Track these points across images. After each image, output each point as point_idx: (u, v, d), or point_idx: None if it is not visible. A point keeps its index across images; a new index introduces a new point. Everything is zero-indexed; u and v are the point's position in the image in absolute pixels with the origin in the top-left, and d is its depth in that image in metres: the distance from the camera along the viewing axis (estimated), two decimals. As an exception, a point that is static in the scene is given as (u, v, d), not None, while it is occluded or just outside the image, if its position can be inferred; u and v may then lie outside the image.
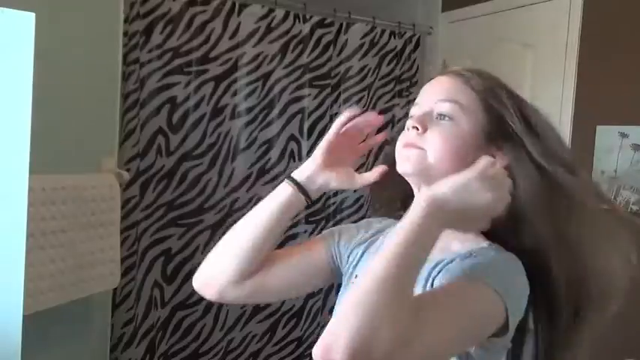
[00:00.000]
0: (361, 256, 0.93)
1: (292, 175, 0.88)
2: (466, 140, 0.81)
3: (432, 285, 0.78)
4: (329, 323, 0.62)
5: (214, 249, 0.93)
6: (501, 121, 0.81)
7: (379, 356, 0.58)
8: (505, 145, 0.81)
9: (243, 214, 0.93)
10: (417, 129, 0.81)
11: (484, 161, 0.75)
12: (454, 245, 0.82)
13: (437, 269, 0.79)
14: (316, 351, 0.60)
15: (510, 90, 0.85)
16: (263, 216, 0.89)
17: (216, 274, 0.91)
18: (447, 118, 0.81)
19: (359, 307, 0.60)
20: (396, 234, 0.67)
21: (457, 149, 0.80)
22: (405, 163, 0.83)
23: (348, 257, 0.95)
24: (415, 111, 0.85)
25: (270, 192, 0.92)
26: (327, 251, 0.96)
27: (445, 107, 0.82)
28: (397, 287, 0.62)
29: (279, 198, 0.88)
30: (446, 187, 0.71)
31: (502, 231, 0.80)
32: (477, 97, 0.82)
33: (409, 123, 0.83)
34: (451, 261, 0.79)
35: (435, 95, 0.84)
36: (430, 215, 0.68)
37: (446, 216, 0.70)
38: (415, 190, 0.86)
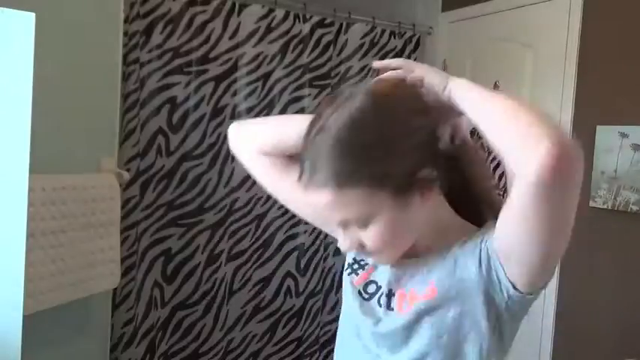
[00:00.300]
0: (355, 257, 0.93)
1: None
2: (393, 219, 0.76)
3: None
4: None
5: (263, 119, 1.02)
6: (394, 172, 0.75)
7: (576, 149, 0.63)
8: (415, 166, 0.75)
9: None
10: (356, 250, 0.80)
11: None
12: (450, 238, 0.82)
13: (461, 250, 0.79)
14: (550, 163, 0.60)
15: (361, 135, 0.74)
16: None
17: (251, 137, 0.99)
18: (362, 225, 0.76)
19: (545, 116, 0.64)
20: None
21: (394, 233, 0.77)
22: (380, 262, 0.85)
23: (360, 260, 0.95)
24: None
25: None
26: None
27: (352, 223, 0.77)
28: None
29: None
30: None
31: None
32: (362, 186, 0.73)
33: (340, 240, 0.80)
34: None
35: (330, 216, 0.78)
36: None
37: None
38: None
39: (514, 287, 0.74)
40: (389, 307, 0.83)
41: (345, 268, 0.94)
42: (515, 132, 0.65)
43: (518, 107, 0.67)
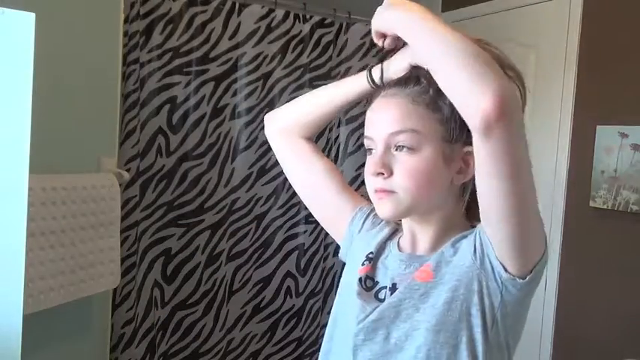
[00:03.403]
0: (371, 252, 0.93)
1: (374, 74, 0.89)
2: (433, 163, 0.80)
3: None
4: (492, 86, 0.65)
5: (295, 100, 1.03)
6: (456, 117, 0.78)
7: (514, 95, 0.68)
8: (468, 139, 0.78)
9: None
10: (383, 174, 0.80)
11: None
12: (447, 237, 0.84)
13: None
14: (491, 109, 0.64)
15: None
16: (336, 98, 0.96)
17: (282, 117, 1.03)
18: (406, 149, 0.79)
19: (482, 61, 0.67)
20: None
21: (428, 178, 0.80)
22: (383, 210, 0.83)
23: (358, 244, 0.96)
24: (370, 144, 0.84)
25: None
26: (353, 212, 0.99)
27: (402, 139, 0.79)
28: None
29: (356, 89, 0.93)
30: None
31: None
32: (428, 110, 0.80)
33: (369, 163, 0.83)
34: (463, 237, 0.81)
35: (386, 127, 0.81)
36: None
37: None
38: (404, 225, 0.89)
39: (505, 270, 0.74)
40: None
41: (358, 261, 0.94)
42: (459, 83, 0.68)
43: (464, 49, 0.69)
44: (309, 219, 2.36)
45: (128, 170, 1.91)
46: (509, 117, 0.65)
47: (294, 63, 2.31)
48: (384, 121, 0.82)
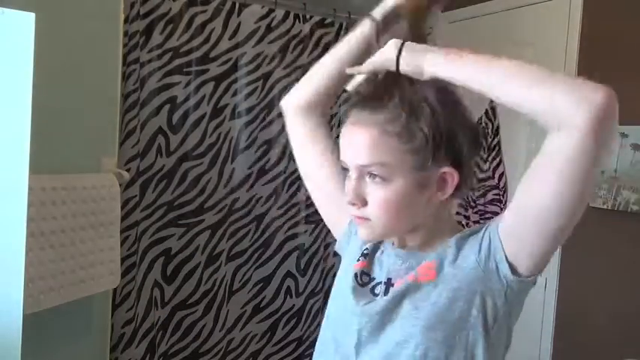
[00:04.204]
0: (366, 248, 0.93)
1: (376, 16, 0.92)
2: (405, 193, 0.79)
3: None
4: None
5: (306, 74, 1.03)
6: (429, 143, 0.78)
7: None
8: (445, 160, 0.79)
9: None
10: (357, 204, 0.81)
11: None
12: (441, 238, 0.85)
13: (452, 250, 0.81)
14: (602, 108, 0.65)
15: (422, 99, 0.79)
16: (341, 53, 0.98)
17: (297, 92, 1.03)
18: (379, 179, 0.79)
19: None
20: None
21: (400, 208, 0.80)
22: (361, 234, 0.85)
23: (351, 235, 0.97)
24: (345, 166, 0.84)
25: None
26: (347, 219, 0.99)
27: (372, 170, 0.79)
28: None
29: (357, 37, 0.95)
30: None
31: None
32: (399, 141, 0.78)
33: (346, 189, 0.83)
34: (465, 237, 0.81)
35: (356, 157, 0.80)
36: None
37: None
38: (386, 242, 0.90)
39: (513, 272, 0.74)
40: (386, 294, 0.83)
41: (354, 257, 0.95)
42: (559, 85, 0.68)
43: (528, 65, 0.70)
44: (309, 219, 2.36)
45: (128, 170, 1.91)
46: (613, 119, 0.66)
47: (294, 63, 2.31)
48: (354, 151, 0.81)
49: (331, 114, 2.42)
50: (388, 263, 0.87)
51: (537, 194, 0.71)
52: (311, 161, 1.02)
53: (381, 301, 0.82)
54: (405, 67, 0.79)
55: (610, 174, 2.04)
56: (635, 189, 1.96)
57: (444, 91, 0.80)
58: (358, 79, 0.87)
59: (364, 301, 0.84)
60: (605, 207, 2.05)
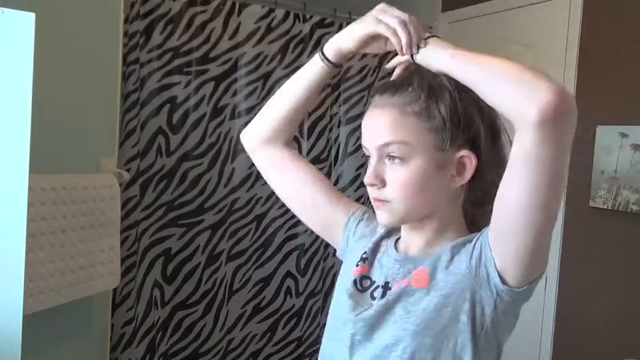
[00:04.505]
0: (365, 252, 0.94)
1: (326, 52, 0.92)
2: (425, 172, 0.81)
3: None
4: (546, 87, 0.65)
5: (261, 109, 1.04)
6: (448, 123, 0.81)
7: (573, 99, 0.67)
8: (463, 143, 0.81)
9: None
10: (376, 184, 0.82)
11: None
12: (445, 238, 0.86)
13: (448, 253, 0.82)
14: (551, 106, 0.64)
15: (445, 83, 0.81)
16: (299, 89, 0.99)
17: (254, 128, 1.04)
18: (397, 160, 0.81)
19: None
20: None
21: (420, 187, 0.81)
22: (380, 218, 0.86)
23: (353, 245, 0.97)
24: (366, 151, 0.86)
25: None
26: (343, 222, 0.99)
27: (393, 150, 0.81)
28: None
29: (315, 77, 0.96)
30: None
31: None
32: (418, 119, 0.80)
33: (366, 176, 0.84)
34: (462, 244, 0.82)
35: (376, 138, 0.83)
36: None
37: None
38: (403, 229, 0.90)
39: (503, 282, 0.75)
40: (382, 298, 0.84)
41: (353, 261, 0.95)
42: (514, 82, 0.68)
43: (510, 62, 0.71)
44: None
45: (128, 170, 1.91)
46: (568, 115, 0.66)
47: (294, 63, 2.31)
48: (374, 131, 0.83)
49: (331, 114, 2.42)
50: (387, 267, 0.88)
51: (511, 190, 0.72)
52: (288, 189, 1.03)
53: (376, 305, 0.83)
54: (418, 60, 0.81)
55: (610, 174, 2.04)
56: (635, 189, 1.97)
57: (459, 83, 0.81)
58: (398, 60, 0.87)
59: (362, 307, 0.85)
60: (605, 207, 2.06)
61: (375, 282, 0.88)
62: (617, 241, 2.06)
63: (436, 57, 0.78)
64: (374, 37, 0.85)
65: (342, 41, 0.89)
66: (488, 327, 0.78)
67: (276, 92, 1.01)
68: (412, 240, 0.88)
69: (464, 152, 0.81)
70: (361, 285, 0.89)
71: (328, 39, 0.94)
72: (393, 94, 0.82)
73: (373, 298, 0.86)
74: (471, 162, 0.81)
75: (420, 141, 0.80)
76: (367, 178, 0.83)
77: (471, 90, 0.78)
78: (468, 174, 0.82)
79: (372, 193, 0.84)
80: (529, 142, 0.67)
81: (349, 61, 0.95)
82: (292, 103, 0.98)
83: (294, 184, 1.01)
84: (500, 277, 0.75)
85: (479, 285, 0.77)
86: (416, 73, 0.82)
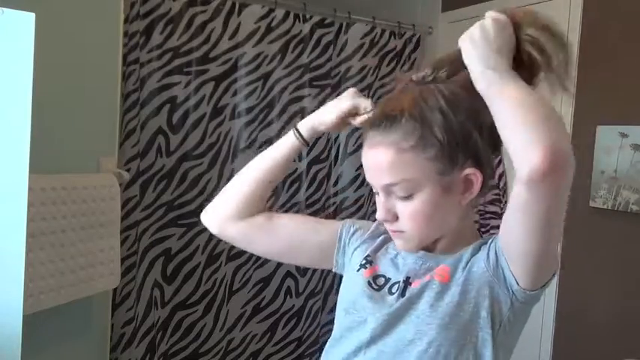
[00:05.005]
0: (368, 255, 0.94)
1: (300, 129, 0.97)
2: (433, 201, 0.82)
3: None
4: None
5: (224, 187, 1.04)
6: (446, 147, 0.80)
7: (571, 158, 0.66)
8: (465, 161, 0.81)
9: None
10: (389, 220, 0.85)
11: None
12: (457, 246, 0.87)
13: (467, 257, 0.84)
14: (540, 167, 0.64)
15: (438, 95, 0.81)
16: (269, 164, 1.00)
17: (218, 207, 1.03)
18: (406, 198, 0.82)
19: (549, 120, 0.67)
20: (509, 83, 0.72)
21: (430, 216, 0.83)
22: (399, 245, 0.89)
23: (353, 252, 0.98)
24: (372, 186, 0.87)
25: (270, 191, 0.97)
26: (336, 236, 1.00)
27: (398, 191, 0.82)
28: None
29: (287, 151, 0.99)
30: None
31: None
32: (416, 153, 0.80)
33: (377, 206, 0.86)
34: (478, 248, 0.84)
35: (378, 179, 0.83)
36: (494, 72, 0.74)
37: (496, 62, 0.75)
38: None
39: (517, 283, 0.78)
40: (403, 294, 0.84)
41: (356, 269, 0.95)
42: (518, 135, 0.68)
43: (525, 108, 0.69)
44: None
45: (128, 170, 1.91)
46: (558, 175, 0.65)
47: (294, 63, 2.31)
48: (375, 173, 0.84)
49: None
50: (407, 264, 0.89)
51: (511, 228, 0.75)
52: (272, 252, 1.07)
53: (398, 300, 0.84)
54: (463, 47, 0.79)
55: (610, 174, 2.04)
56: (635, 189, 1.97)
57: (454, 93, 0.81)
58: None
59: (382, 303, 0.85)
60: (605, 207, 2.06)
61: (390, 279, 0.88)
62: (617, 241, 2.06)
63: (484, 89, 0.75)
64: (347, 117, 0.92)
65: (317, 121, 0.95)
66: (505, 324, 0.80)
67: (240, 172, 1.03)
68: (429, 245, 0.89)
69: (468, 170, 0.81)
70: (376, 284, 0.89)
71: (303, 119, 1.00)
72: (386, 130, 0.81)
73: (392, 293, 0.86)
74: (477, 178, 0.82)
75: (422, 173, 0.80)
76: (379, 216, 0.85)
77: (463, 100, 0.80)
78: (476, 189, 0.83)
79: (387, 225, 0.87)
80: (521, 194, 0.68)
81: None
82: (263, 176, 1.00)
83: (282, 243, 1.03)
84: (515, 279, 0.78)
85: (497, 282, 0.79)
86: (404, 94, 0.82)
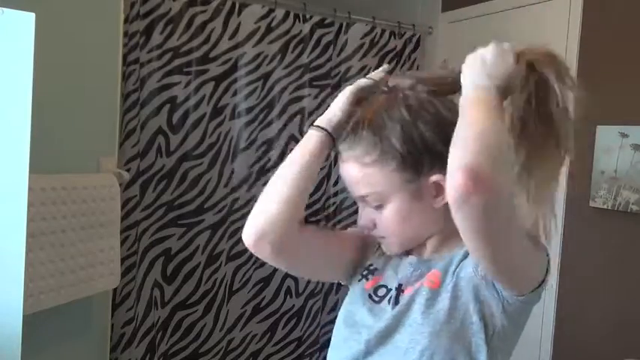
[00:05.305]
0: (371, 264, 0.95)
1: (320, 124, 0.89)
2: (403, 208, 0.84)
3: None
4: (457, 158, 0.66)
5: (257, 205, 0.92)
6: (408, 157, 0.82)
7: (492, 182, 0.65)
8: (430, 166, 0.81)
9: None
10: (369, 228, 0.88)
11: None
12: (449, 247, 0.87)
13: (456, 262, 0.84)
14: (461, 181, 0.64)
15: (400, 109, 0.82)
16: (302, 165, 0.88)
17: (267, 225, 0.87)
18: (378, 207, 0.85)
19: (485, 146, 0.66)
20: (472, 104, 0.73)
21: (404, 222, 0.85)
22: (385, 249, 0.92)
23: (369, 265, 0.97)
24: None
25: None
26: (355, 250, 0.99)
27: (369, 200, 0.85)
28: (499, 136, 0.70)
29: (314, 149, 0.88)
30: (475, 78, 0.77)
31: None
32: (379, 166, 0.82)
33: (358, 220, 0.89)
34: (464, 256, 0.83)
35: (353, 190, 0.87)
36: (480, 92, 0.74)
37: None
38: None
39: (505, 289, 0.78)
40: (396, 303, 0.84)
41: (357, 279, 0.96)
42: (452, 151, 0.68)
43: (472, 128, 0.69)
44: (309, 219, 2.36)
45: (128, 170, 1.91)
46: (478, 197, 0.64)
47: (294, 63, 2.31)
48: (349, 184, 0.87)
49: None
50: (402, 271, 0.89)
51: (470, 252, 0.77)
52: (308, 270, 1.04)
53: (391, 310, 0.84)
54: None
55: (610, 174, 2.04)
56: (635, 189, 1.96)
57: (421, 102, 0.82)
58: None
59: (380, 314, 0.86)
60: (605, 207, 2.05)
61: (391, 289, 0.89)
62: (617, 241, 2.06)
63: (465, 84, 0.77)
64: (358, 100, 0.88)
65: (330, 113, 0.90)
66: (499, 330, 0.79)
67: (273, 185, 0.91)
68: (422, 248, 0.90)
69: (435, 176, 0.81)
70: (377, 295, 0.89)
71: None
72: (350, 145, 0.84)
73: (388, 303, 0.86)
74: (444, 182, 0.79)
75: (389, 184, 0.82)
76: (359, 223, 0.89)
77: (429, 106, 0.81)
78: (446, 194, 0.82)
79: (369, 232, 0.89)
80: (455, 216, 0.68)
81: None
82: (299, 187, 0.87)
83: (313, 265, 0.98)
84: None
85: (485, 287, 0.79)
86: (370, 105, 0.84)
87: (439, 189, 0.82)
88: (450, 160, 0.67)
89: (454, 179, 0.65)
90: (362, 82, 0.90)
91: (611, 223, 2.06)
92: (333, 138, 0.87)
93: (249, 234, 0.88)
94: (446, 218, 0.83)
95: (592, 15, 2.16)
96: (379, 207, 0.84)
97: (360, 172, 0.83)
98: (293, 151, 0.90)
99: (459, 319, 0.79)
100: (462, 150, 0.67)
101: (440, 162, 0.78)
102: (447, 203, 0.80)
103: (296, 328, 2.44)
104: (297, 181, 0.87)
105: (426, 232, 0.87)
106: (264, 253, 0.87)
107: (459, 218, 0.68)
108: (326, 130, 0.87)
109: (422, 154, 0.81)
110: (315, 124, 0.90)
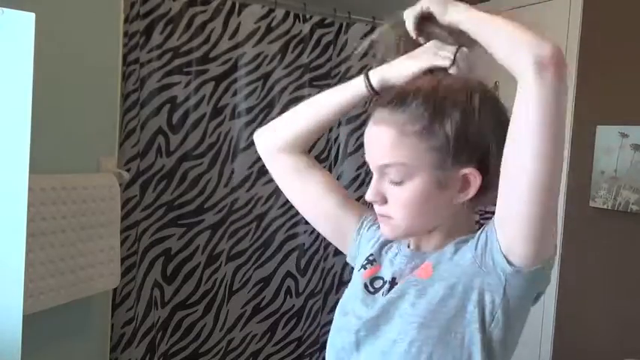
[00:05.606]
0: (371, 254, 0.94)
1: (371, 78, 0.88)
2: (424, 192, 0.80)
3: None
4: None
5: (283, 115, 1.01)
6: (450, 142, 0.78)
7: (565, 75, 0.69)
8: (469, 160, 0.79)
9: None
10: (377, 202, 0.83)
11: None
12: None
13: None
14: (551, 57, 0.68)
15: (451, 91, 0.79)
16: (332, 103, 0.94)
17: (273, 133, 1.01)
18: (398, 183, 0.80)
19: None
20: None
21: (420, 207, 0.81)
22: (383, 232, 0.87)
23: (365, 249, 0.97)
24: (369, 166, 0.85)
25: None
26: (355, 226, 0.99)
27: (392, 173, 0.80)
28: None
29: (351, 96, 0.92)
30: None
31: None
32: (418, 139, 0.78)
33: (367, 192, 0.84)
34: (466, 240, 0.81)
35: (375, 157, 0.82)
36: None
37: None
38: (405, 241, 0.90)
39: (510, 264, 0.74)
40: (389, 293, 0.84)
41: (358, 269, 0.95)
42: (515, 40, 0.70)
43: (514, 23, 0.73)
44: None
45: (128, 170, 1.91)
46: (560, 66, 0.68)
47: (294, 63, 2.31)
48: (373, 151, 0.83)
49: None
50: (397, 263, 0.88)
51: (513, 154, 0.72)
52: (302, 198, 1.03)
53: (381, 300, 0.83)
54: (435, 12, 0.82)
55: (610, 174, 2.04)
56: (635, 189, 1.97)
57: (489, 97, 0.81)
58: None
59: (372, 305, 0.85)
60: (605, 207, 2.06)
61: (386, 281, 0.88)
62: (617, 241, 2.06)
63: (456, 10, 0.80)
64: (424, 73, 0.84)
65: (391, 73, 0.86)
66: (499, 318, 0.76)
67: (301, 105, 0.98)
68: (421, 242, 0.88)
69: (468, 170, 0.79)
70: (373, 287, 0.89)
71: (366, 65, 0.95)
72: (393, 110, 0.80)
73: (383, 295, 0.86)
74: (475, 179, 0.79)
75: (420, 161, 0.79)
76: (368, 196, 0.83)
77: (494, 106, 0.80)
78: (472, 191, 0.80)
79: (375, 208, 0.85)
80: (530, 87, 0.67)
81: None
82: (324, 117, 0.95)
83: (309, 195, 1.00)
84: (507, 260, 0.74)
85: (486, 273, 0.76)
86: (426, 86, 0.80)
87: (466, 184, 0.80)
88: (519, 39, 0.70)
89: (542, 48, 0.67)
90: (439, 62, 0.83)
91: (611, 223, 2.07)
92: (374, 95, 0.88)
93: (258, 133, 1.03)
94: (456, 217, 0.84)
95: (592, 15, 2.16)
96: (398, 183, 0.80)
97: (395, 138, 0.79)
98: (331, 89, 0.95)
99: (452, 308, 0.76)
100: (534, 34, 0.70)
101: (479, 159, 0.79)
102: (466, 202, 0.82)
103: (296, 328, 2.44)
104: (314, 114, 0.96)
105: (433, 223, 0.84)
106: (258, 149, 1.02)
107: (536, 92, 0.67)
108: (375, 91, 0.87)
109: (468, 146, 0.78)
110: (370, 74, 0.88)
